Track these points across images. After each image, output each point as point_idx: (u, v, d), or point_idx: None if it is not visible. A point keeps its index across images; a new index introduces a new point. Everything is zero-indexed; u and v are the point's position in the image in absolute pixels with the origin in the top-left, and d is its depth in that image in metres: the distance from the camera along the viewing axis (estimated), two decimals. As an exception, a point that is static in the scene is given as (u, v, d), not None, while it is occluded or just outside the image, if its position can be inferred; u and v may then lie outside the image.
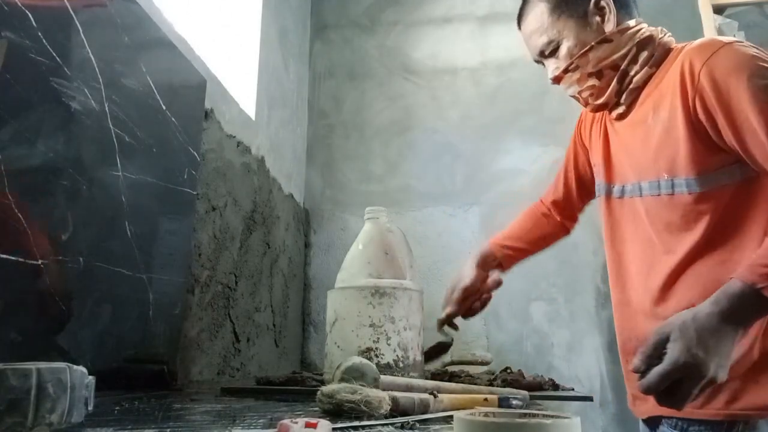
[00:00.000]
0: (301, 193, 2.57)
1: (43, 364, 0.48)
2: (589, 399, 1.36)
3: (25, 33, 0.84)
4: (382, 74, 2.74)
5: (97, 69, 1.01)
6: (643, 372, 0.78)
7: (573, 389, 1.47)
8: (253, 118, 1.93)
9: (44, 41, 0.87)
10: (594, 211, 2.48)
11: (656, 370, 0.76)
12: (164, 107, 1.25)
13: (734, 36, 2.30)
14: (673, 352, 0.76)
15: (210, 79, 1.54)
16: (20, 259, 0.81)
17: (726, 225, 0.91)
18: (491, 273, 1.28)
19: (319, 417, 0.62)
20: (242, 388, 1.24)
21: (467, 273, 1.27)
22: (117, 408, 0.83)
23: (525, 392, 0.96)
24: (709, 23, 2.34)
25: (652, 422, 1.01)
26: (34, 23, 0.85)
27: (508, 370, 1.39)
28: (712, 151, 0.89)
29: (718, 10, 2.41)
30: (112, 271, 1.04)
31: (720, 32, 2.33)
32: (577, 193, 1.30)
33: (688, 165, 0.91)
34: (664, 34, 1.02)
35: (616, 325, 1.10)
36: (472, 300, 1.27)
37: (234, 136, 1.72)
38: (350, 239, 1.47)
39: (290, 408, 0.88)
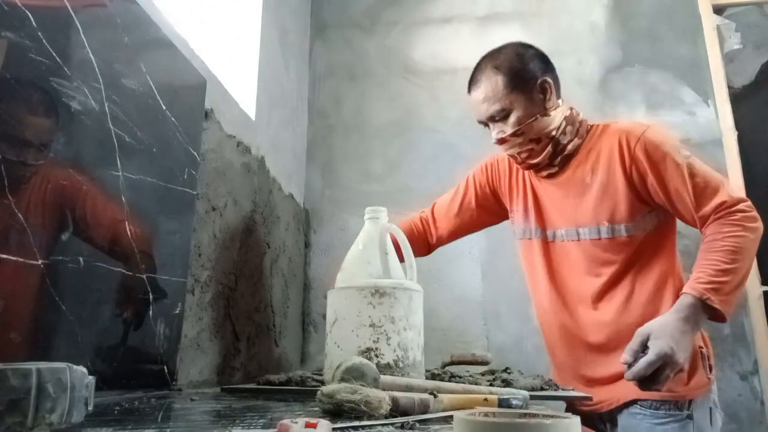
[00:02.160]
0: (301, 193, 2.57)
1: (43, 364, 0.48)
2: (589, 399, 1.36)
3: (25, 33, 0.84)
4: (382, 74, 2.73)
5: (97, 69, 1.01)
6: (630, 364, 1.03)
7: (573, 389, 1.48)
8: (253, 118, 1.93)
9: (44, 41, 0.87)
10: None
11: (644, 360, 1.01)
12: (164, 107, 1.25)
13: (730, 37, 2.32)
14: (655, 347, 1.01)
15: (210, 79, 1.54)
16: (20, 259, 0.81)
17: (640, 254, 1.25)
18: None
19: (319, 417, 0.62)
20: (242, 388, 1.24)
21: None
22: (117, 408, 0.83)
23: (525, 392, 0.96)
24: (709, 23, 2.34)
25: (617, 411, 1.26)
26: (34, 23, 0.85)
27: (508, 370, 1.39)
28: (642, 203, 1.23)
29: (718, 10, 2.41)
30: (112, 271, 1.04)
31: (719, 32, 2.33)
32: (461, 227, 1.60)
33: (626, 214, 1.23)
34: (578, 113, 1.33)
35: (561, 344, 1.37)
36: None
37: (234, 136, 1.72)
38: (350, 239, 1.48)
39: (290, 408, 0.88)
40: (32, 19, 0.85)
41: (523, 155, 1.31)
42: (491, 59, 1.35)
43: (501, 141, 1.32)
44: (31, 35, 0.85)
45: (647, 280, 1.23)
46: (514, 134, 1.28)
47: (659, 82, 2.40)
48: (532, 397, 1.03)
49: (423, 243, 1.64)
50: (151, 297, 1.17)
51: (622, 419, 1.25)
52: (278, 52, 2.28)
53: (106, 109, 1.03)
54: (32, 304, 0.84)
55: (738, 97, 2.48)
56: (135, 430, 0.62)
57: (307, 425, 0.52)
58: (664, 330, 1.03)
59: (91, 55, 1.00)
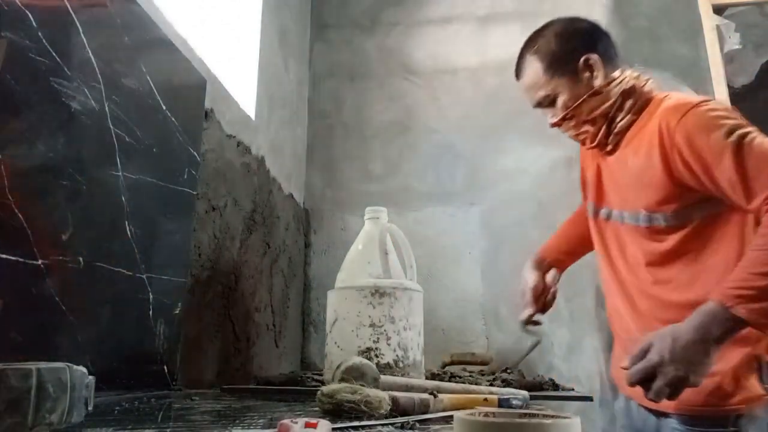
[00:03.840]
0: (301, 193, 2.57)
1: (43, 364, 0.48)
2: (589, 399, 1.36)
3: (25, 33, 0.84)
4: (382, 74, 2.73)
5: (97, 69, 1.01)
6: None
7: (573, 389, 1.48)
8: (253, 118, 1.93)
9: (44, 41, 0.87)
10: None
11: (635, 367, 0.95)
12: (164, 107, 1.25)
13: (729, 37, 2.31)
14: (649, 354, 0.95)
15: (210, 79, 1.54)
16: (20, 259, 0.81)
17: (694, 243, 1.10)
18: (549, 272, 1.39)
19: (319, 417, 0.62)
20: (242, 388, 1.24)
21: (529, 277, 1.38)
22: (117, 408, 0.83)
23: (525, 392, 0.96)
24: (709, 23, 2.34)
25: (662, 413, 1.14)
26: (34, 23, 0.85)
27: (508, 370, 1.40)
28: (689, 191, 1.07)
29: (718, 10, 2.41)
30: (112, 271, 1.04)
31: (718, 32, 2.33)
32: None
33: (663, 203, 1.10)
34: (645, 82, 1.19)
35: (618, 329, 1.26)
36: (542, 298, 1.37)
37: (234, 136, 1.72)
38: (350, 239, 1.48)
39: (290, 408, 0.88)
40: (32, 19, 0.85)
41: (581, 137, 1.22)
42: (531, 43, 1.24)
43: (555, 125, 1.23)
44: (31, 35, 0.85)
45: (705, 274, 1.07)
46: (564, 118, 1.20)
47: (659, 82, 2.40)
48: (532, 397, 1.03)
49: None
50: (151, 297, 1.17)
51: None
52: (278, 52, 2.28)
53: (106, 109, 1.03)
54: (32, 304, 0.84)
55: (738, 97, 2.48)
56: (135, 430, 0.62)
57: (307, 425, 0.52)
58: (664, 338, 0.94)
59: (91, 55, 1.00)
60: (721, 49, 2.35)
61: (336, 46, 2.82)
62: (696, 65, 2.40)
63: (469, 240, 2.44)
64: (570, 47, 1.19)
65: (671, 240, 1.11)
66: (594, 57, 1.17)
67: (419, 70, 2.70)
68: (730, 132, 1.00)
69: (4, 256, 0.78)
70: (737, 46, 2.40)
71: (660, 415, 1.14)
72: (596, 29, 1.24)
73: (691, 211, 1.09)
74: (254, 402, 1.00)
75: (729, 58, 2.49)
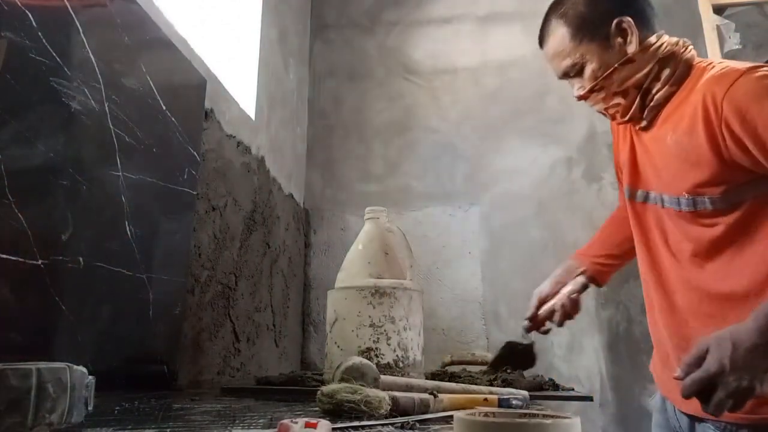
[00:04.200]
0: (301, 193, 2.57)
1: (43, 364, 0.48)
2: (589, 399, 1.36)
3: (25, 33, 0.84)
4: (382, 74, 2.73)
5: (97, 69, 1.01)
6: (683, 380, 0.85)
7: (573, 389, 1.48)
8: (253, 118, 1.93)
9: (44, 41, 0.87)
10: (592, 212, 2.48)
11: (691, 377, 0.83)
12: (164, 107, 1.25)
13: (729, 37, 2.31)
14: (707, 362, 0.83)
15: (210, 79, 1.54)
16: (20, 259, 0.81)
17: (742, 228, 0.97)
18: (572, 281, 1.25)
19: (319, 417, 0.62)
20: (242, 388, 1.24)
21: (544, 284, 1.27)
22: (117, 408, 0.83)
23: (525, 392, 0.96)
24: (709, 23, 2.34)
25: (699, 418, 1.05)
26: (34, 23, 0.85)
27: (508, 370, 1.39)
28: (739, 170, 0.94)
29: (718, 10, 2.41)
30: (112, 271, 1.04)
31: (718, 32, 2.33)
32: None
33: (710, 184, 0.96)
34: (686, 48, 1.04)
35: (659, 328, 1.13)
36: (550, 305, 1.25)
37: (234, 136, 1.72)
38: (350, 239, 1.47)
39: (290, 408, 0.88)
40: (32, 19, 0.85)
41: (611, 111, 1.09)
42: (557, 6, 1.11)
43: (582, 98, 1.10)
44: (31, 35, 0.85)
45: (756, 261, 0.96)
46: (592, 89, 1.07)
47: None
48: (532, 397, 1.03)
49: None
50: (151, 297, 1.17)
51: None
52: (278, 52, 2.28)
53: (106, 109, 1.03)
54: (32, 304, 0.84)
55: (738, 97, 2.47)
56: (135, 430, 0.62)
57: (307, 425, 0.52)
58: (724, 342, 0.83)
59: (91, 55, 1.00)
60: (721, 49, 2.35)
61: (336, 46, 2.82)
62: (696, 65, 2.40)
63: (469, 240, 2.44)
64: (601, 9, 1.06)
65: (721, 225, 0.99)
66: (628, 20, 1.03)
67: (419, 69, 2.71)
68: None
69: (4, 256, 0.78)
70: (737, 46, 2.39)
71: (697, 420, 1.06)
72: None
73: (742, 192, 0.97)
74: (254, 402, 1.00)
75: (729, 58, 2.49)
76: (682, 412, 1.09)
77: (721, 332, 0.85)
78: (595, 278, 1.26)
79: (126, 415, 0.76)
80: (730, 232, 0.98)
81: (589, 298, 2.30)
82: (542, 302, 1.25)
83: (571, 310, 1.24)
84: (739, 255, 0.98)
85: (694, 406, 0.99)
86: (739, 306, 0.93)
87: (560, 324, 1.26)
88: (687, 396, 0.84)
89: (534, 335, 1.30)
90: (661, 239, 1.08)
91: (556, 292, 1.25)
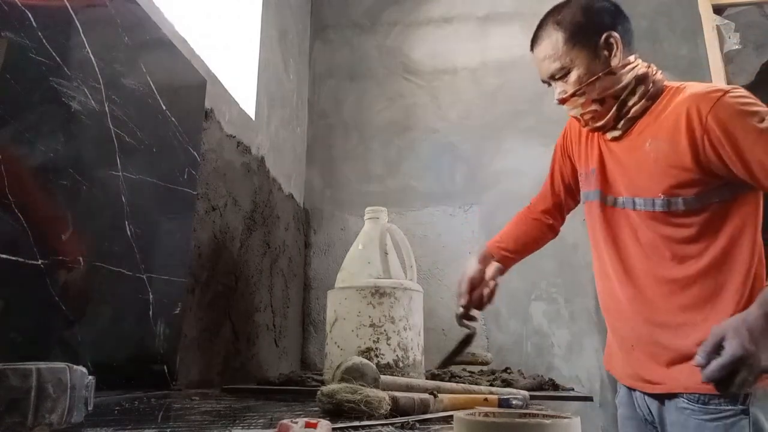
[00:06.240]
0: (301, 193, 2.57)
1: (43, 364, 0.48)
2: (589, 399, 1.36)
3: (25, 33, 0.84)
4: (382, 74, 2.73)
5: (97, 69, 1.01)
6: (704, 366, 0.95)
7: (573, 389, 1.48)
8: (253, 118, 1.93)
9: (44, 41, 0.87)
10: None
11: (717, 362, 0.93)
12: (164, 107, 1.25)
13: (729, 37, 2.31)
14: (729, 348, 0.93)
15: (210, 79, 1.54)
16: (20, 259, 0.81)
17: (709, 228, 1.12)
18: (491, 266, 1.37)
19: (319, 417, 0.62)
20: (242, 388, 1.24)
21: (469, 266, 1.37)
22: (117, 408, 0.83)
23: (525, 392, 0.96)
24: (709, 23, 2.34)
25: (665, 396, 1.16)
26: (34, 23, 0.85)
27: (508, 370, 1.39)
28: (712, 176, 1.10)
29: (718, 10, 2.41)
30: (112, 271, 1.04)
31: (718, 32, 2.33)
32: (565, 201, 1.46)
33: (686, 187, 1.11)
34: (656, 72, 1.21)
35: (619, 316, 1.24)
36: (479, 290, 1.34)
37: (234, 136, 1.72)
38: (350, 239, 1.48)
39: (290, 408, 0.88)
40: (32, 19, 0.85)
41: (587, 117, 1.22)
42: (555, 13, 1.23)
43: (562, 101, 1.22)
44: (31, 35, 0.85)
45: (718, 259, 1.11)
46: (574, 94, 1.19)
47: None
48: (532, 397, 1.03)
49: (544, 229, 1.49)
50: (151, 297, 1.17)
51: (670, 415, 1.15)
52: (278, 52, 2.28)
53: (106, 109, 1.03)
54: (32, 304, 0.84)
55: (738, 97, 2.47)
56: (135, 430, 0.62)
57: (307, 425, 0.52)
58: (740, 329, 0.94)
59: (91, 55, 1.00)
60: (721, 49, 2.35)
61: (336, 46, 2.82)
62: (696, 65, 2.40)
63: (469, 240, 2.44)
64: (596, 21, 1.19)
65: (692, 226, 1.13)
66: (615, 36, 1.17)
67: (419, 69, 2.71)
68: (763, 119, 1.05)
69: (4, 256, 0.78)
70: (737, 46, 2.39)
71: (668, 397, 1.15)
72: (620, 11, 1.24)
73: (711, 195, 1.12)
74: (254, 402, 1.00)
75: (729, 58, 2.49)
76: (652, 396, 1.19)
77: (733, 321, 0.96)
78: (504, 267, 1.40)
79: (126, 415, 0.76)
80: (700, 230, 1.12)
81: (589, 298, 2.30)
82: (472, 288, 1.34)
83: (492, 294, 1.35)
84: (705, 250, 1.12)
85: (666, 386, 1.15)
86: (706, 294, 1.08)
87: (481, 308, 1.37)
88: (711, 380, 0.94)
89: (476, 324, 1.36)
90: (631, 238, 1.20)
91: (482, 278, 1.35)
